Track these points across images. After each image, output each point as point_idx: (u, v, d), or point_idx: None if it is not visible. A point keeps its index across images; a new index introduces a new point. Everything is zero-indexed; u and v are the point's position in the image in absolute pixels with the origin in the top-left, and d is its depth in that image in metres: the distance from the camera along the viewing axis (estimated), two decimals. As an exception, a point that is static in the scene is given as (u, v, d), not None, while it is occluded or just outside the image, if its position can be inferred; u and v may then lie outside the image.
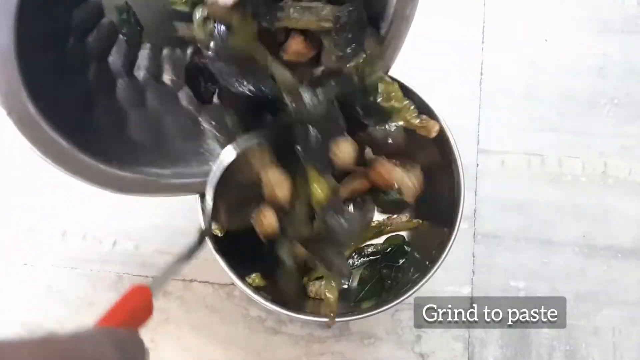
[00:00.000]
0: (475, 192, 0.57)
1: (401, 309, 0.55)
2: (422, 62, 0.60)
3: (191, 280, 0.56)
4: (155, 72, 0.46)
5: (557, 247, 0.56)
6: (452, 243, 0.43)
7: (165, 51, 0.46)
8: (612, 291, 0.55)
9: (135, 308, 0.26)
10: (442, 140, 0.45)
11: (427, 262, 0.45)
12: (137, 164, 0.39)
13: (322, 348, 0.55)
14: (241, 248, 0.44)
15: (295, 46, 0.40)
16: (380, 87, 0.41)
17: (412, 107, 0.42)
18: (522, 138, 0.58)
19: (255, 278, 0.45)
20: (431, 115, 0.44)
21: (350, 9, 0.37)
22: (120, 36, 0.44)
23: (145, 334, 0.54)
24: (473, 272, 0.56)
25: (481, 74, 0.60)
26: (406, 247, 0.52)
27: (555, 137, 0.58)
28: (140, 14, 0.44)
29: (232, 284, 0.56)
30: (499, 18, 0.61)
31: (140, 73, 0.45)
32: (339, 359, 0.54)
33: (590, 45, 0.60)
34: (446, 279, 0.55)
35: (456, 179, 0.45)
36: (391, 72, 0.43)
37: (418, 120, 0.42)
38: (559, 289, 0.55)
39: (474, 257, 0.56)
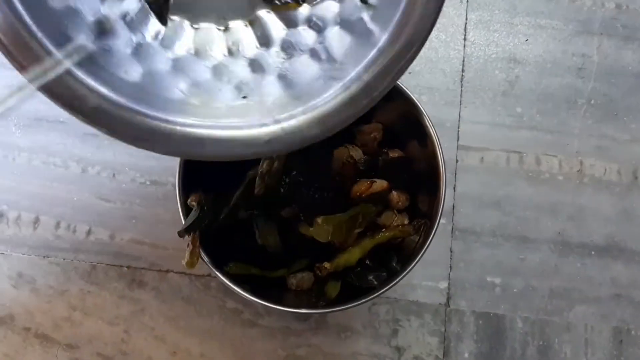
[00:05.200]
0: (454, 187, 0.58)
1: (378, 303, 0.55)
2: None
3: (167, 271, 0.55)
4: None
5: (533, 244, 0.57)
6: (432, 238, 0.43)
7: None
8: (585, 288, 0.56)
9: None
10: (424, 136, 0.45)
11: (406, 257, 0.45)
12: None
13: (298, 341, 0.54)
14: (218, 237, 0.44)
15: None
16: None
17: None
18: (502, 135, 0.59)
19: (232, 267, 0.45)
20: (416, 110, 0.45)
21: None
22: None
23: (119, 324, 0.54)
24: (450, 267, 0.56)
25: (462, 71, 0.61)
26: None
27: (534, 135, 0.59)
28: None
29: (209, 275, 0.55)
30: (481, 17, 0.62)
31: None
32: (315, 351, 0.54)
33: (570, 46, 0.61)
34: (424, 274, 0.55)
35: (439, 173, 0.45)
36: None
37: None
38: (534, 285, 0.56)
39: (451, 252, 0.56)
